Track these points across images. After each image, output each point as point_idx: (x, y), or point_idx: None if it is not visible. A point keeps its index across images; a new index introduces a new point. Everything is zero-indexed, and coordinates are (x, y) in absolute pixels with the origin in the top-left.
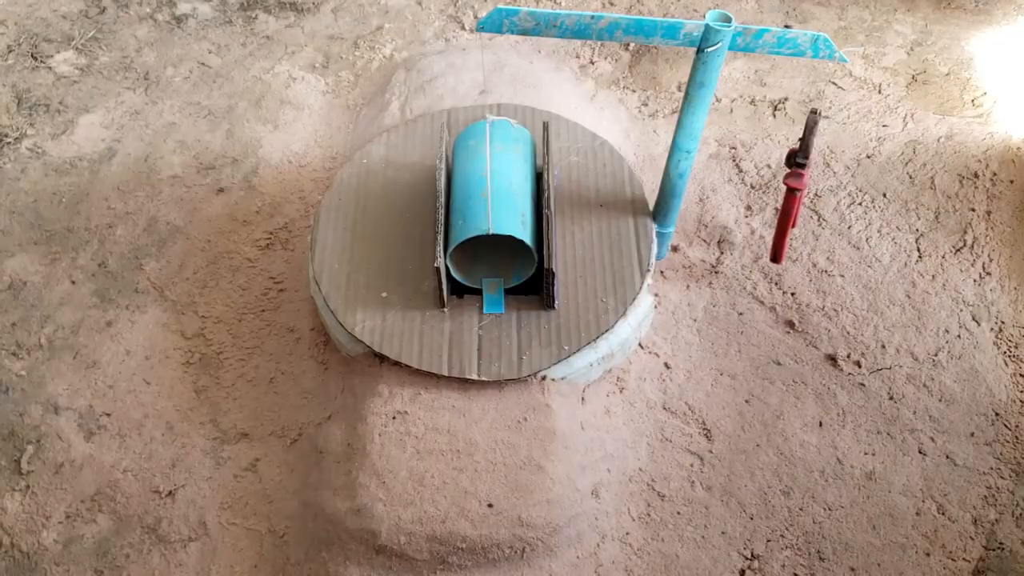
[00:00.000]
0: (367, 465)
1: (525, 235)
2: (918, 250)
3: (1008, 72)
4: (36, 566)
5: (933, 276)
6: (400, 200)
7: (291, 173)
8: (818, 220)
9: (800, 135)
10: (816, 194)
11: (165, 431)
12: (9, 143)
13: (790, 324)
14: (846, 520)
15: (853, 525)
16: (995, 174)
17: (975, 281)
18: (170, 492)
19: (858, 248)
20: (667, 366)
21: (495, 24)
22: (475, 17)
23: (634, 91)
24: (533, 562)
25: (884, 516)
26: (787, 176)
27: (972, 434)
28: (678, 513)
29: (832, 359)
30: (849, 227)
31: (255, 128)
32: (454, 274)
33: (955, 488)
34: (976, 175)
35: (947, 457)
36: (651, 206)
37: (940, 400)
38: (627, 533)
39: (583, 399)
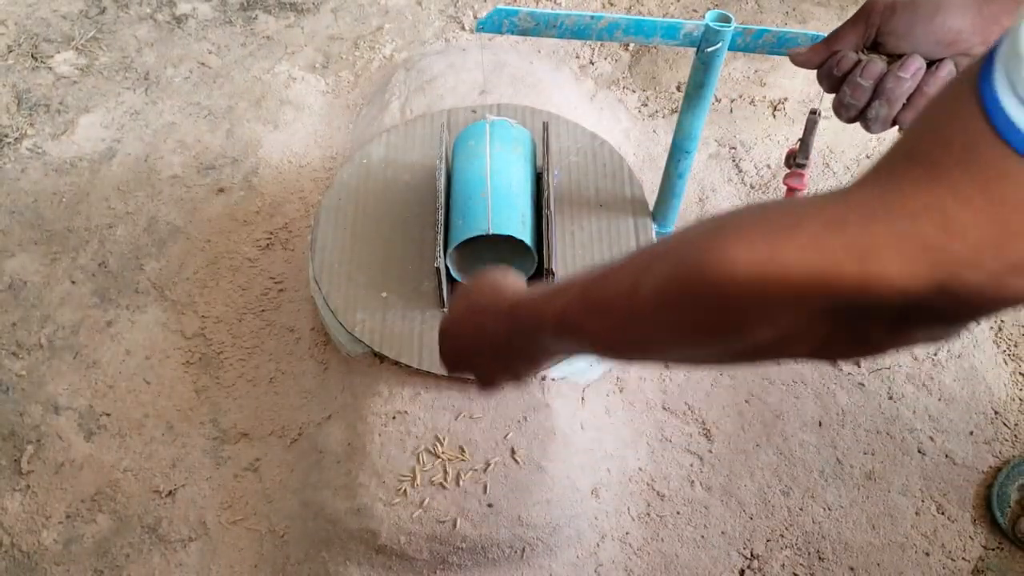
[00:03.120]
0: (367, 465)
1: (525, 235)
2: None
3: None
4: (36, 566)
5: None
6: (400, 200)
7: (291, 173)
8: None
9: (800, 135)
10: (816, 194)
11: (165, 431)
12: (9, 143)
13: None
14: (845, 520)
15: (852, 525)
16: None
17: None
18: (170, 492)
19: None
20: (667, 366)
21: (495, 24)
22: (475, 17)
23: (634, 91)
24: (533, 561)
25: (883, 516)
26: (787, 176)
27: (971, 433)
28: (678, 513)
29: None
30: None
31: (255, 128)
32: (454, 274)
33: (954, 487)
34: None
35: (946, 456)
36: (651, 206)
37: (939, 399)
38: (627, 533)
39: (583, 399)
